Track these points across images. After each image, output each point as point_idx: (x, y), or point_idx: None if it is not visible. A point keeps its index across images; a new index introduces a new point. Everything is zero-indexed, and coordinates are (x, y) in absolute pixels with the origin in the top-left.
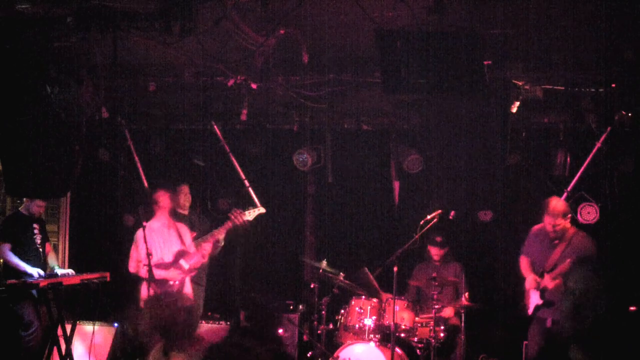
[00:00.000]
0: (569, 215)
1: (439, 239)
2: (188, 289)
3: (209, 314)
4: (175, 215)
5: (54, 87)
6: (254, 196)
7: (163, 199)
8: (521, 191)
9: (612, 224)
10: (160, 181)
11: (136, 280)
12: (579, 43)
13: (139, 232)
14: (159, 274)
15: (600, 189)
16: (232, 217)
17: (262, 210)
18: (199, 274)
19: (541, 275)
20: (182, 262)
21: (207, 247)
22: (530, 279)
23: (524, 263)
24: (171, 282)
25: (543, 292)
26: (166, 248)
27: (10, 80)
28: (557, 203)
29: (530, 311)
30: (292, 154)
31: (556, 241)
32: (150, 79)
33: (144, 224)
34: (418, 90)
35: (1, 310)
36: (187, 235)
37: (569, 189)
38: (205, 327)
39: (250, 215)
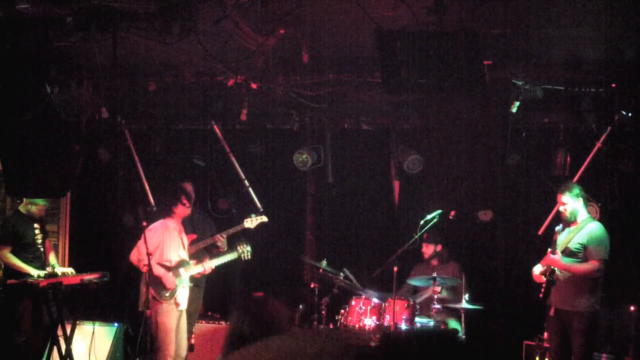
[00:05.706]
0: (580, 199)
1: (425, 235)
2: None
3: (209, 313)
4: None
5: (54, 87)
6: (253, 196)
7: (183, 209)
8: (521, 191)
9: (612, 224)
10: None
11: (136, 279)
12: (579, 43)
13: (151, 227)
14: (157, 270)
15: (600, 189)
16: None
17: (265, 219)
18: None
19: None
20: (181, 270)
21: (211, 265)
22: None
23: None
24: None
25: (552, 273)
26: (172, 251)
27: (10, 80)
28: (567, 182)
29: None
30: (292, 154)
31: (573, 226)
32: (150, 79)
33: (144, 223)
34: (418, 90)
35: (1, 311)
36: (186, 242)
37: None
38: (205, 327)
39: (252, 223)
